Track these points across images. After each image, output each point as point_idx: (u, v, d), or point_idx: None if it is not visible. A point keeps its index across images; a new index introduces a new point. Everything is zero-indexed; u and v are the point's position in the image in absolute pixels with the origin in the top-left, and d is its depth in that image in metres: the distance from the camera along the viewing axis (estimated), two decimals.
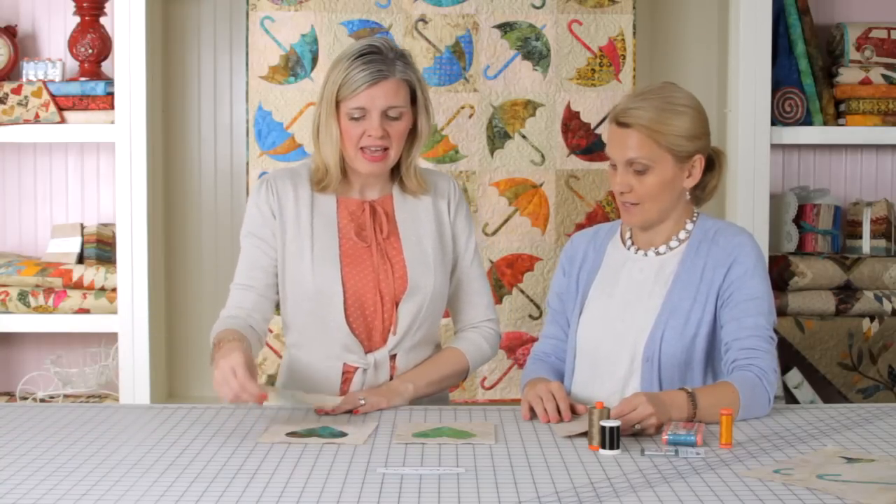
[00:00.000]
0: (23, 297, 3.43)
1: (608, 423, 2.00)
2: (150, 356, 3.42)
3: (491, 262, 3.52)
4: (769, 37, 3.45)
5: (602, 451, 2.00)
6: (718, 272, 2.34)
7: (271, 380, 3.47)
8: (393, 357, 2.48)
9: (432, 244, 2.51)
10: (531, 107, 3.52)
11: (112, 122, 3.41)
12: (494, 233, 3.53)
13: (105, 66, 3.54)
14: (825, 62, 3.61)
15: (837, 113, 3.57)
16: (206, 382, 3.70)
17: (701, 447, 2.01)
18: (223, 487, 1.81)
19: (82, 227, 3.55)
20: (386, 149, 2.42)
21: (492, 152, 3.52)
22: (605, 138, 2.42)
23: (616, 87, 3.52)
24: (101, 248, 3.51)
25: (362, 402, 2.36)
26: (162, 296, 3.61)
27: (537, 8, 3.51)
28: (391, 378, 2.48)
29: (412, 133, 2.48)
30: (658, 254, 2.41)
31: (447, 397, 2.65)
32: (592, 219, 3.52)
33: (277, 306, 2.53)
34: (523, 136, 3.53)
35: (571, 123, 3.54)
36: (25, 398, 3.53)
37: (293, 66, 3.48)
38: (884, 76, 3.52)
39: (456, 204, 2.57)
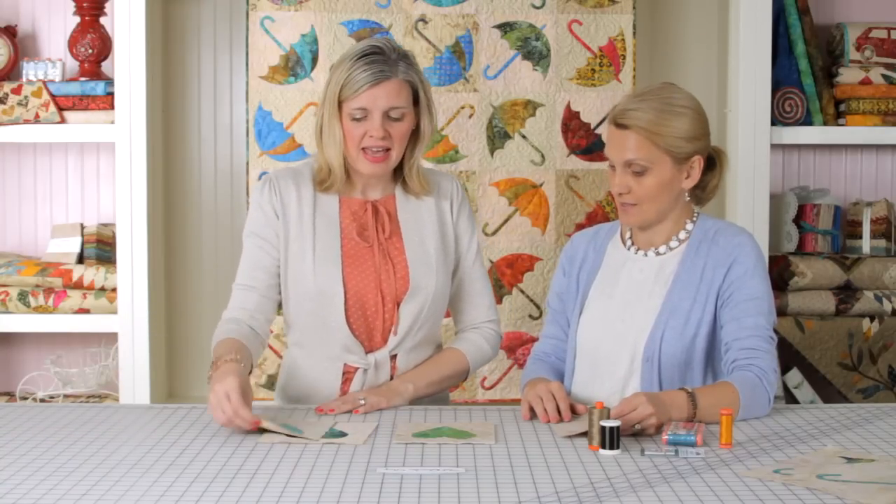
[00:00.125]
0: (23, 297, 3.43)
1: (608, 423, 2.00)
2: (150, 356, 3.42)
3: (491, 262, 3.52)
4: (769, 37, 3.45)
5: (602, 451, 2.00)
6: (718, 272, 2.34)
7: (271, 380, 3.47)
8: (393, 357, 2.48)
9: (434, 244, 2.50)
10: (531, 107, 3.52)
11: (112, 122, 3.41)
12: (494, 233, 3.53)
13: (105, 66, 3.54)
14: (825, 62, 3.61)
15: (837, 113, 3.57)
16: (206, 382, 3.68)
17: (701, 447, 2.01)
18: (223, 487, 1.81)
19: (82, 227, 3.55)
20: (388, 149, 2.41)
21: (492, 152, 3.52)
22: (604, 138, 2.42)
23: (616, 87, 3.52)
24: (101, 248, 3.51)
25: (362, 402, 2.36)
26: (162, 296, 3.61)
27: (537, 8, 3.51)
28: (392, 378, 2.48)
29: (415, 134, 2.48)
30: (658, 254, 2.41)
31: (447, 397, 2.65)
32: (592, 219, 3.52)
33: (280, 306, 2.53)
34: (523, 136, 3.53)
35: (571, 123, 3.54)
36: (25, 398, 3.53)
37: (293, 66, 3.48)
38: (884, 76, 3.52)
39: (459, 204, 2.57)
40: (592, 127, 3.54)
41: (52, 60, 3.49)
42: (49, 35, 3.66)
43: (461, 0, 3.49)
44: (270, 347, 3.48)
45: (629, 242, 2.46)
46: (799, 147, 3.73)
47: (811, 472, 1.86)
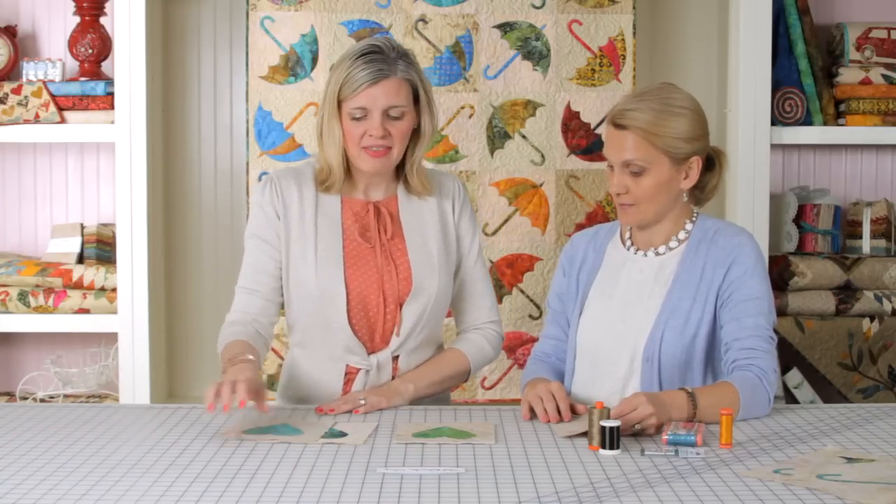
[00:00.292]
0: (23, 297, 3.43)
1: (608, 423, 2.00)
2: (150, 356, 3.42)
3: (491, 262, 3.52)
4: (769, 37, 3.45)
5: (602, 451, 2.00)
6: (718, 272, 2.34)
7: (271, 380, 3.47)
8: (395, 358, 2.48)
9: (437, 245, 2.50)
10: (531, 107, 3.52)
11: (112, 122, 3.41)
12: (494, 233, 3.53)
13: (105, 66, 3.54)
14: (825, 62, 3.61)
15: (837, 113, 3.57)
16: (206, 382, 3.68)
17: (701, 447, 2.01)
18: (223, 487, 1.81)
19: (82, 227, 3.55)
20: (388, 147, 2.41)
21: (492, 152, 3.52)
22: (603, 138, 2.42)
23: (616, 87, 3.52)
24: (101, 248, 3.51)
25: (362, 401, 2.36)
26: (162, 296, 3.61)
27: (537, 8, 3.51)
28: (393, 379, 2.48)
29: (416, 133, 2.48)
30: (658, 254, 2.41)
31: (448, 398, 2.65)
32: (592, 219, 3.52)
33: (282, 307, 2.53)
34: (523, 136, 3.53)
35: (571, 123, 3.54)
36: (25, 398, 3.53)
37: (293, 66, 3.48)
38: (884, 76, 3.52)
39: (461, 204, 2.56)
40: (592, 127, 3.54)
41: (52, 60, 3.49)
42: (49, 35, 3.66)
43: (461, 0, 3.49)
44: (272, 348, 3.48)
45: (629, 243, 2.46)
46: (799, 147, 3.73)
47: (811, 472, 1.86)
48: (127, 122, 3.37)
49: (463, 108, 3.51)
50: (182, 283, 3.70)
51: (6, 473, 1.88)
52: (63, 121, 3.43)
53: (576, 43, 3.51)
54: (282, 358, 3.34)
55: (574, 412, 2.26)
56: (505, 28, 3.51)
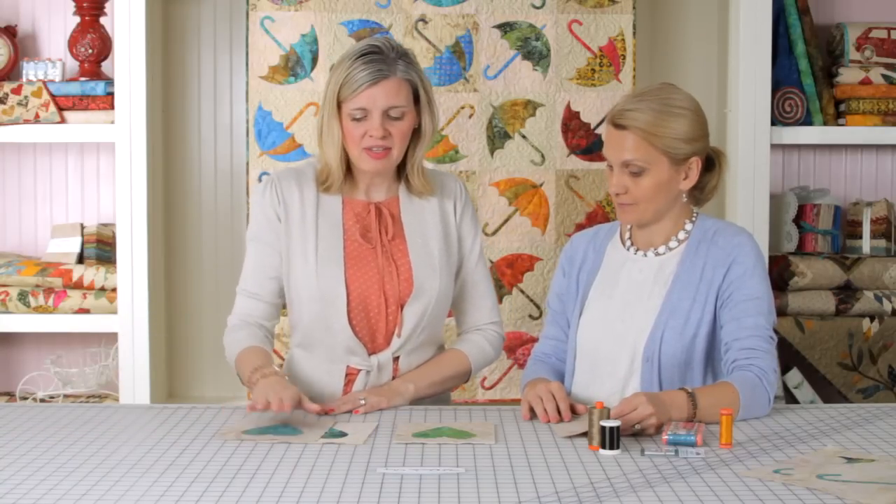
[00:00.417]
0: (23, 297, 3.43)
1: (608, 423, 2.00)
2: (150, 356, 3.42)
3: (491, 262, 3.52)
4: (769, 37, 3.45)
5: (602, 451, 2.00)
6: (718, 272, 2.34)
7: None
8: (396, 359, 2.48)
9: (438, 246, 2.50)
10: (531, 107, 3.52)
11: (112, 122, 3.41)
12: (494, 233, 3.53)
13: (105, 66, 3.54)
14: (825, 62, 3.61)
15: (837, 113, 3.57)
16: (206, 382, 3.71)
17: (701, 447, 2.01)
18: (223, 487, 1.80)
19: (82, 227, 3.55)
20: (388, 148, 2.41)
21: (492, 152, 3.52)
22: (603, 138, 2.42)
23: (616, 87, 3.52)
24: (101, 248, 3.51)
25: (362, 401, 2.36)
26: (162, 296, 3.61)
27: (537, 8, 3.51)
28: (393, 380, 2.48)
29: (416, 132, 2.47)
30: (657, 254, 2.41)
31: (449, 398, 2.65)
32: (592, 219, 3.52)
33: (284, 307, 2.53)
34: (523, 136, 3.53)
35: (571, 123, 3.54)
36: (25, 398, 3.53)
37: (293, 66, 3.48)
38: (884, 76, 3.52)
39: (462, 205, 2.56)
40: (592, 127, 3.54)
41: (52, 60, 3.49)
42: (49, 35, 3.66)
43: (461, 0, 3.49)
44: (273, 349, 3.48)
45: (629, 243, 2.46)
46: (799, 147, 3.73)
47: (811, 472, 1.86)
48: (127, 122, 3.37)
49: (463, 108, 3.51)
50: (182, 283, 3.70)
51: (6, 473, 1.88)
52: (63, 121, 3.43)
53: (576, 43, 3.51)
54: (282, 359, 3.34)
55: (574, 412, 2.26)
56: (505, 28, 3.51)
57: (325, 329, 2.44)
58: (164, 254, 3.65)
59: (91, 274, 3.42)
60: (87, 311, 3.44)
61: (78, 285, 3.42)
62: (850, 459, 1.94)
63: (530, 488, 1.79)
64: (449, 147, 3.52)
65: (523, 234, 3.54)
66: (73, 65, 3.56)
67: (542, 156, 3.53)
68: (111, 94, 3.41)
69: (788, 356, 3.47)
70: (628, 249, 2.45)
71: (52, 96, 3.41)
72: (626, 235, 2.47)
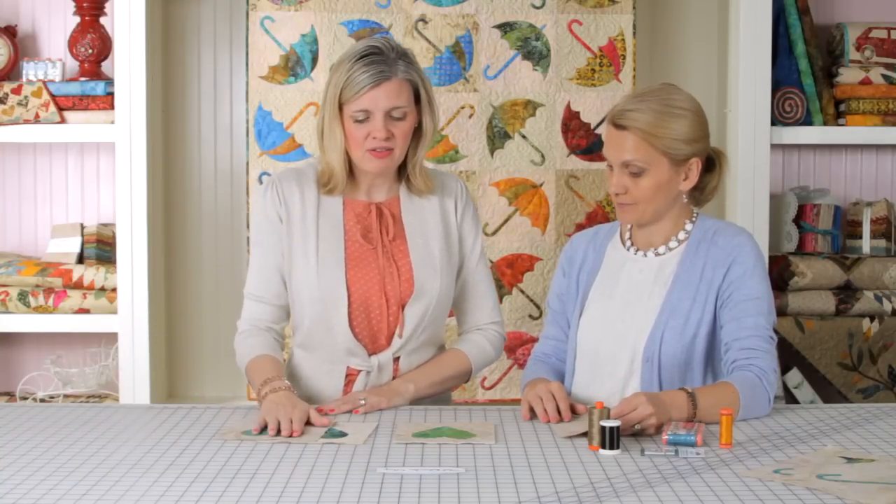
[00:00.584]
0: (23, 297, 3.43)
1: (608, 423, 2.00)
2: (150, 356, 3.42)
3: (491, 262, 3.51)
4: (769, 37, 3.45)
5: (602, 451, 2.00)
6: (718, 272, 2.34)
7: None
8: (396, 359, 2.48)
9: (439, 246, 2.50)
10: (531, 107, 3.52)
11: (112, 122, 3.41)
12: (494, 233, 3.53)
13: (105, 66, 3.54)
14: (825, 62, 3.61)
15: (837, 113, 3.57)
16: (206, 382, 3.71)
17: (701, 447, 2.01)
18: (223, 487, 1.81)
19: (82, 227, 3.55)
20: (391, 148, 2.41)
21: (492, 152, 3.52)
22: (603, 138, 2.42)
23: (616, 87, 3.52)
24: (101, 248, 3.51)
25: (362, 401, 2.36)
26: (162, 296, 3.61)
27: (537, 8, 3.51)
28: (394, 380, 2.48)
29: (417, 132, 2.47)
30: (657, 254, 2.41)
31: (450, 398, 2.65)
32: (592, 219, 3.52)
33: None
34: (523, 136, 3.53)
35: (571, 123, 3.54)
36: (25, 398, 3.53)
37: (293, 66, 3.48)
38: (884, 76, 3.52)
39: (463, 205, 2.56)
40: (592, 127, 3.54)
41: (52, 60, 3.49)
42: (49, 35, 3.66)
43: (461, 0, 3.49)
44: None
45: (629, 243, 2.46)
46: (799, 147, 3.73)
47: (811, 472, 1.86)
48: (127, 122, 3.37)
49: (463, 108, 3.51)
50: (182, 283, 3.70)
51: (6, 473, 1.88)
52: (63, 121, 3.43)
53: (576, 43, 3.51)
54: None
55: (574, 412, 2.26)
56: (505, 28, 3.51)
57: (325, 330, 2.44)
58: (164, 254, 3.65)
59: (91, 274, 3.42)
60: (87, 311, 3.44)
61: (78, 285, 3.42)
62: (850, 459, 1.94)
63: (530, 488, 1.79)
64: (449, 147, 3.52)
65: (523, 234, 3.54)
66: (73, 65, 3.56)
67: (542, 156, 3.53)
68: (111, 94, 3.41)
69: (788, 356, 3.47)
70: (628, 249, 2.45)
71: (52, 96, 3.41)
72: (626, 235, 2.47)
